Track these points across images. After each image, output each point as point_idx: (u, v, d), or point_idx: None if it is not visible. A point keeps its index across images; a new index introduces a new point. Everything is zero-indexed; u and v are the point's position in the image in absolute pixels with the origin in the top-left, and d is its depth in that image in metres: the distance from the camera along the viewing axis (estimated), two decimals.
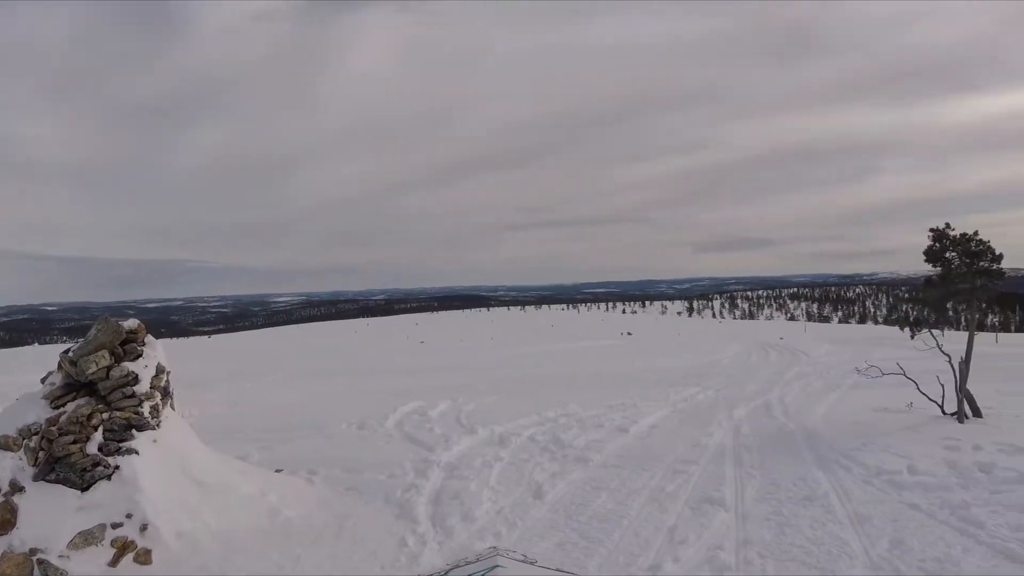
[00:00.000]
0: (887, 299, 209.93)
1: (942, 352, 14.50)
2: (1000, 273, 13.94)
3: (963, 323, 15.77)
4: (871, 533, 7.44)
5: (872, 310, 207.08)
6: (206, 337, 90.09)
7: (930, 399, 14.52)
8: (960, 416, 13.64)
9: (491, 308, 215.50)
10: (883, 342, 39.71)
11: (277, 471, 9.61)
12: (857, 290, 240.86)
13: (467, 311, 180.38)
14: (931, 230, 14.20)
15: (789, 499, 8.77)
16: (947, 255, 14.05)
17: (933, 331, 15.11)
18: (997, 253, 13.78)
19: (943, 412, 14.10)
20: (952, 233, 13.99)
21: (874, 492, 9.06)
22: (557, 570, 3.22)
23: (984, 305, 14.93)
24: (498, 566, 2.86)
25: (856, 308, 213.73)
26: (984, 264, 13.84)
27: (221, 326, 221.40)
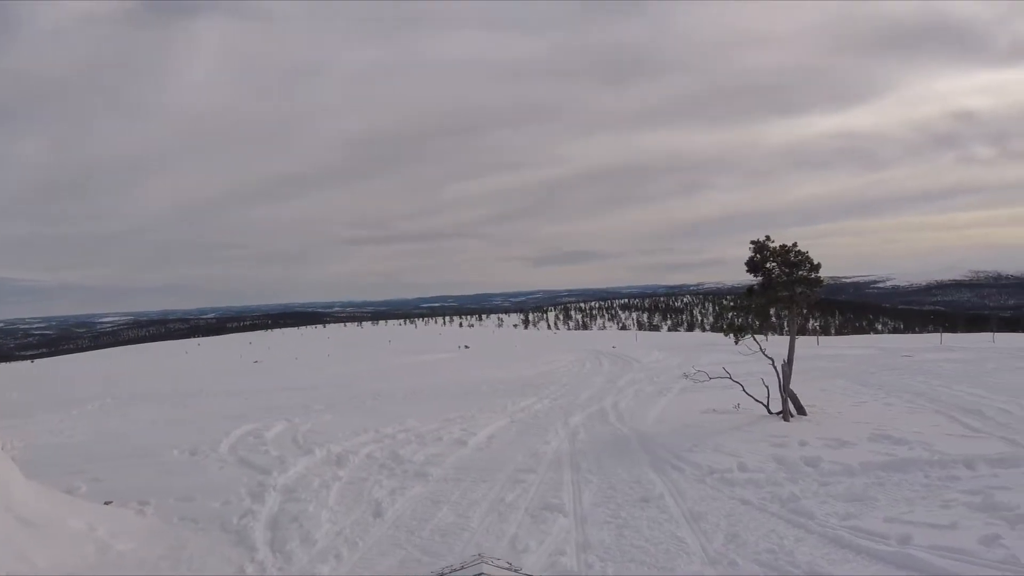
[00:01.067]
0: (713, 307, 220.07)
1: (765, 355, 15.18)
2: (818, 281, 14.71)
3: (785, 328, 16.71)
4: (706, 530, 7.63)
5: (699, 318, 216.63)
6: (28, 362, 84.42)
7: (756, 400, 15.14)
8: (785, 415, 14.30)
9: (327, 324, 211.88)
10: (710, 348, 41.27)
11: (106, 503, 8.99)
12: (685, 299, 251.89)
13: (303, 328, 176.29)
14: (752, 242, 14.85)
15: (626, 501, 8.91)
16: (768, 265, 14.72)
17: (756, 336, 15.76)
18: (815, 263, 14.59)
19: (769, 411, 14.73)
20: (772, 245, 14.70)
21: (707, 490, 9.33)
22: None
23: (804, 311, 15.69)
24: (482, 574, 2.77)
25: (684, 316, 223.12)
26: (803, 273, 14.59)
27: (44, 349, 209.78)
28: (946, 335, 52.30)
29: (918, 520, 7.54)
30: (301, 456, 12.04)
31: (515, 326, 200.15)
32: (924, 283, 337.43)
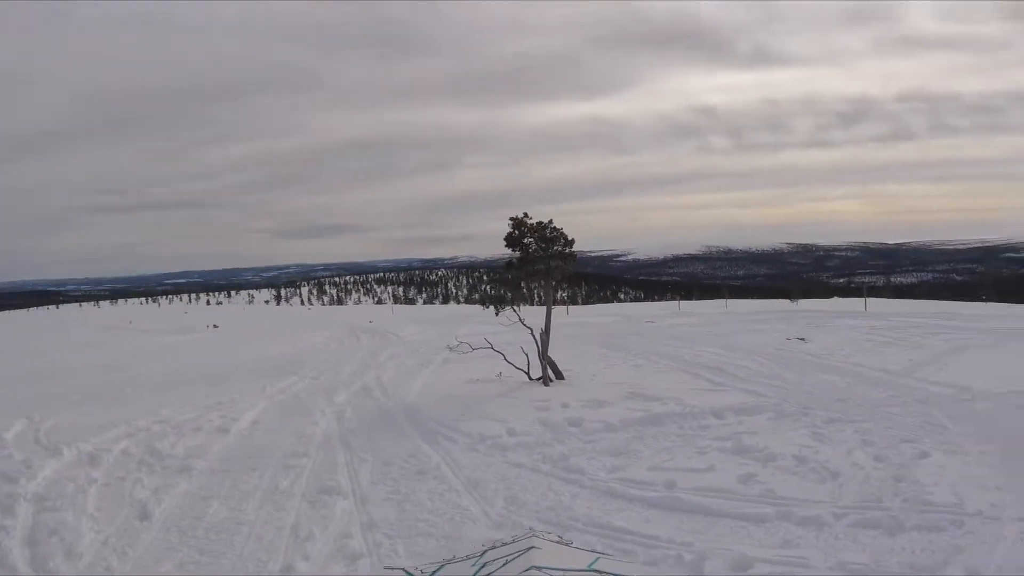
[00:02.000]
0: (467, 280, 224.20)
1: (524, 325, 15.75)
2: (572, 256, 15.52)
3: (539, 299, 17.57)
4: (486, 495, 7.94)
5: (454, 291, 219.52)
6: None
7: (517, 368, 15.65)
8: (545, 380, 14.95)
9: (60, 305, 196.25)
10: (468, 320, 41.93)
11: None
12: (440, 273, 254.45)
13: (31, 310, 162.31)
14: (511, 218, 15.43)
15: (403, 476, 9.02)
16: (525, 240, 15.30)
17: (515, 307, 16.29)
18: (569, 239, 15.40)
19: (530, 378, 15.31)
20: (530, 221, 15.30)
21: (481, 457, 9.67)
22: (591, 551, 2.98)
23: (555, 283, 16.38)
24: (533, 547, 2.64)
25: (439, 290, 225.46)
26: (558, 248, 15.30)
27: None
28: (683, 302, 56.10)
29: (679, 466, 8.36)
30: (48, 458, 10.94)
31: (267, 302, 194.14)
32: (662, 257, 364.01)
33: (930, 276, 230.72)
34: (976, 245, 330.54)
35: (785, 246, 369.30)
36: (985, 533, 6.37)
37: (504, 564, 2.62)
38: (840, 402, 11.75)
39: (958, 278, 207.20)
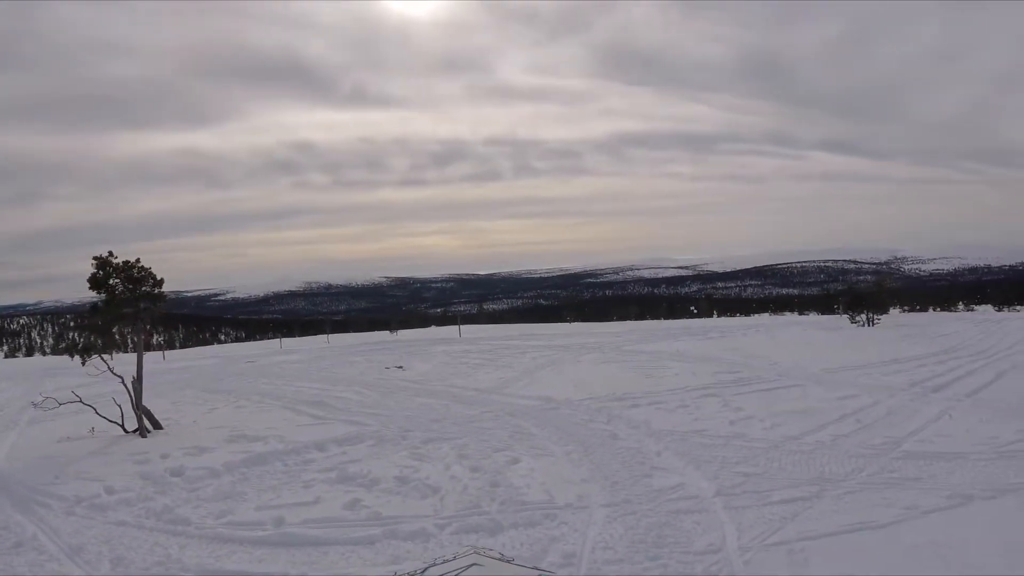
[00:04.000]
0: (54, 328, 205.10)
1: (115, 375, 14.93)
2: (162, 296, 15.10)
3: (131, 345, 16.84)
4: (90, 560, 7.57)
5: (39, 341, 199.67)
6: None
7: (111, 421, 14.79)
8: (142, 431, 14.34)
9: None
10: (55, 372, 38.43)
11: None
12: (22, 321, 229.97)
13: None
14: (95, 258, 14.65)
15: (1, 552, 8.26)
16: (111, 282, 14.61)
17: (104, 356, 15.44)
18: (159, 278, 14.99)
19: (125, 431, 14.56)
20: (116, 261, 14.66)
21: (80, 521, 9.11)
22: (534, 568, 2.79)
23: (148, 326, 15.82)
24: (475, 564, 2.45)
25: (23, 340, 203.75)
26: (147, 289, 14.80)
27: None
28: (285, 340, 56.13)
29: (286, 503, 8.76)
30: None
31: None
32: (263, 295, 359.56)
33: (520, 302, 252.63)
34: (559, 274, 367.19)
35: (384, 280, 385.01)
36: (576, 521, 7.61)
37: None
38: (437, 422, 12.80)
39: (544, 303, 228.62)
